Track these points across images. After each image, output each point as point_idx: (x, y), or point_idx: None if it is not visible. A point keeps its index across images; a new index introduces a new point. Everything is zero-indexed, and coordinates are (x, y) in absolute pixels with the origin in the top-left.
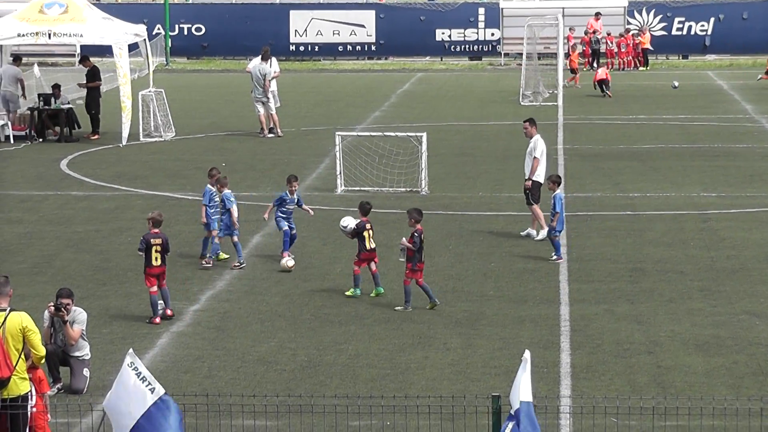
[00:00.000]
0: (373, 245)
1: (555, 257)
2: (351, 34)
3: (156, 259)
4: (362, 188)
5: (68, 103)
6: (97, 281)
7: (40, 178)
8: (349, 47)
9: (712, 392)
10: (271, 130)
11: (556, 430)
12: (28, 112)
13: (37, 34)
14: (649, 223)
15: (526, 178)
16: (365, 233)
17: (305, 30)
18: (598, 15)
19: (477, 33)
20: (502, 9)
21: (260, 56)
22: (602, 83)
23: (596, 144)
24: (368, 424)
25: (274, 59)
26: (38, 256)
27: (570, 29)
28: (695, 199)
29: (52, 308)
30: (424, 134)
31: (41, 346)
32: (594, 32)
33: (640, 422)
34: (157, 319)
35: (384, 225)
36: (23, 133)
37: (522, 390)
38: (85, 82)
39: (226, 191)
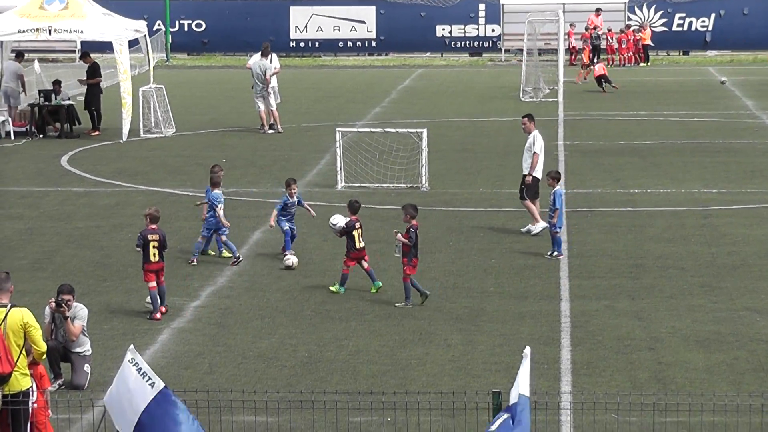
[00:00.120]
0: (362, 244)
1: (556, 253)
2: (351, 30)
3: (154, 255)
4: (363, 184)
5: (69, 99)
6: (97, 277)
7: (41, 174)
8: (350, 43)
9: (713, 388)
10: (271, 126)
11: (557, 426)
12: (29, 108)
13: (37, 30)
14: (650, 219)
15: (527, 173)
16: (354, 232)
17: (306, 26)
18: (598, 11)
19: (477, 29)
20: (503, 5)
21: (260, 52)
22: (601, 78)
23: (597, 140)
24: (369, 420)
25: (274, 55)
26: (39, 252)
27: (570, 25)
28: (696, 195)
29: (53, 304)
30: (425, 130)
31: (42, 342)
32: (594, 28)
33: (640, 418)
34: (158, 315)
35: (385, 221)
36: (24, 129)
37: (521, 384)
38: (85, 78)
39: (216, 191)
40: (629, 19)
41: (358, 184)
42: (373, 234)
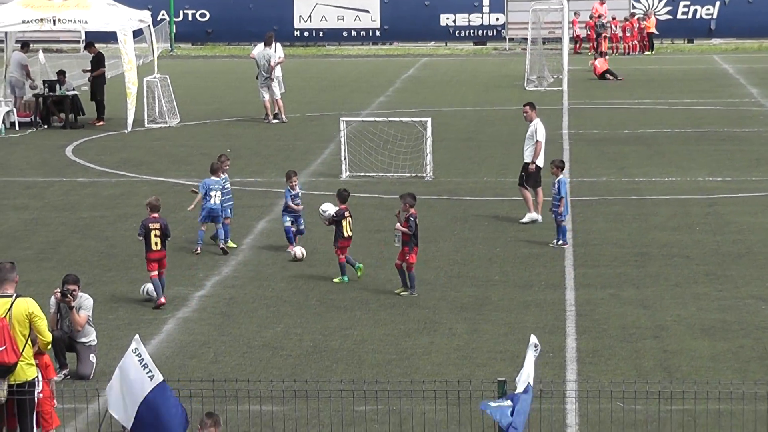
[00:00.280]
0: (350, 233)
1: (561, 242)
2: (355, 19)
3: (156, 243)
4: (367, 174)
5: (73, 89)
6: (102, 267)
7: (46, 164)
8: (354, 33)
9: (718, 376)
10: (275, 116)
11: (562, 414)
12: (33, 98)
13: (41, 20)
14: (655, 207)
15: (528, 161)
16: (344, 221)
17: (310, 16)
18: None
19: (482, 18)
20: None
21: (264, 42)
22: (605, 73)
23: (601, 129)
24: (374, 409)
25: (278, 45)
26: (44, 242)
27: (575, 14)
28: (701, 183)
29: (59, 294)
30: (429, 119)
31: (48, 332)
32: (599, 17)
33: (645, 407)
34: (163, 299)
35: (389, 210)
36: (28, 119)
37: (529, 374)
38: (89, 68)
39: (213, 178)
40: (633, 7)
41: (363, 174)
42: (378, 223)
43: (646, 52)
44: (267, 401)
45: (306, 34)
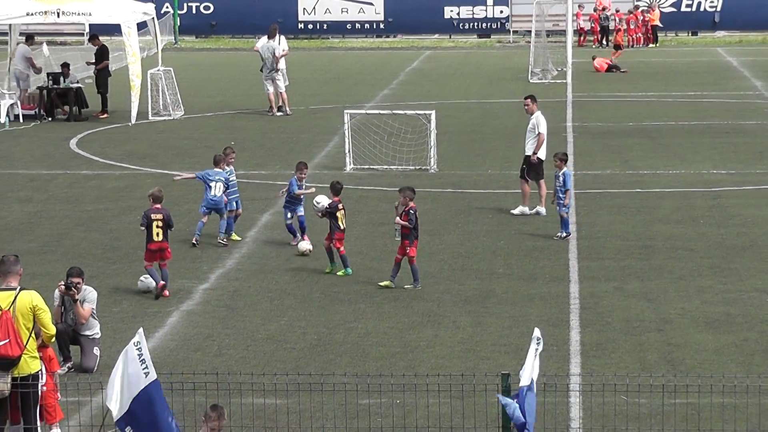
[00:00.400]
0: (344, 225)
1: (565, 234)
2: (359, 11)
3: (158, 234)
4: (371, 166)
5: (77, 82)
6: (107, 260)
7: (50, 157)
8: (358, 25)
9: (722, 369)
10: (279, 109)
11: (566, 407)
12: (37, 91)
13: (45, 12)
14: (659, 200)
15: (530, 154)
16: (338, 213)
17: (314, 8)
18: None
19: (486, 10)
20: None
21: (267, 35)
22: (611, 68)
23: (605, 121)
24: (378, 402)
25: (282, 37)
26: (48, 235)
27: (579, 6)
28: (705, 176)
29: (63, 287)
30: (433, 112)
31: (51, 325)
32: (603, 9)
33: (650, 400)
34: (162, 283)
35: (393, 203)
36: (32, 112)
37: (530, 367)
38: (93, 60)
39: (217, 170)
40: (638, 0)
41: (367, 166)
42: (382, 216)
43: (650, 45)
44: (271, 394)
45: (310, 26)
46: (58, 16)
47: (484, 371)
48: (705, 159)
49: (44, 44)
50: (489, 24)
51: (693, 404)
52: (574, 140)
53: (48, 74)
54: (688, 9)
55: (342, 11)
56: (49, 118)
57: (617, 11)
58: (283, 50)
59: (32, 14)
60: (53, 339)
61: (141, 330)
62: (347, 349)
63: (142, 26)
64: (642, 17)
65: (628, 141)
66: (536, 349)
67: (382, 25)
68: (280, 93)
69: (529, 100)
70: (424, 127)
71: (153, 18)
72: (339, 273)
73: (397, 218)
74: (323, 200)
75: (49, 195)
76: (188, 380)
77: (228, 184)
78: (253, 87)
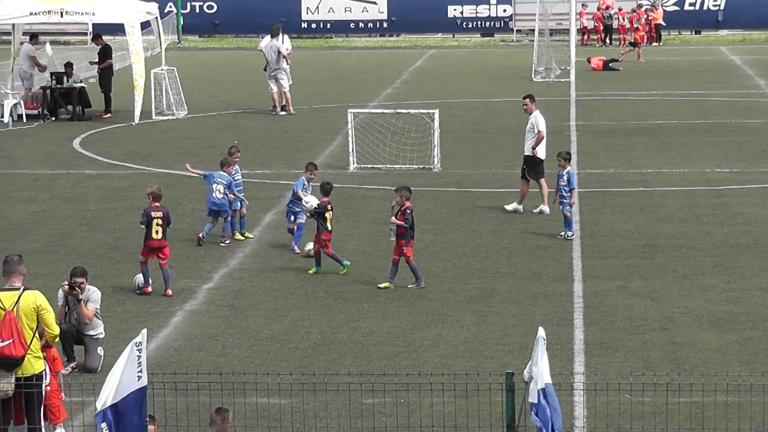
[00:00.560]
0: (332, 227)
1: (570, 234)
2: (363, 11)
3: (157, 232)
4: (375, 165)
5: (80, 81)
6: (110, 260)
7: (53, 156)
8: (361, 24)
9: (726, 368)
10: (283, 108)
11: (570, 406)
12: (41, 90)
13: (49, 12)
14: (663, 199)
15: (529, 154)
16: (327, 213)
17: (317, 7)
18: None
19: (489, 9)
20: None
21: (271, 34)
22: (608, 63)
23: (609, 120)
24: (382, 401)
25: (285, 36)
26: (51, 234)
27: (582, 5)
28: (708, 174)
29: (66, 287)
30: (437, 111)
31: (55, 325)
32: (606, 8)
33: (653, 399)
34: (149, 288)
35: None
36: (36, 111)
37: (544, 369)
38: (97, 60)
39: (221, 172)
40: None
41: (371, 166)
42: (385, 215)
43: (654, 44)
44: (275, 394)
45: (313, 25)
46: (62, 15)
47: (488, 370)
48: (708, 158)
49: (47, 44)
50: (492, 23)
51: (697, 403)
52: (577, 139)
53: (51, 74)
54: (692, 8)
55: (345, 10)
56: (53, 118)
57: (620, 10)
58: (287, 49)
59: (35, 14)
60: (57, 339)
61: (144, 331)
62: (351, 348)
63: (145, 26)
64: (645, 16)
65: (631, 140)
66: (544, 348)
67: (385, 24)
68: (284, 92)
69: (527, 99)
70: (427, 126)
71: (156, 17)
72: (341, 272)
73: (393, 218)
74: (312, 200)
75: (52, 195)
76: (192, 380)
77: (232, 185)
78: (257, 86)
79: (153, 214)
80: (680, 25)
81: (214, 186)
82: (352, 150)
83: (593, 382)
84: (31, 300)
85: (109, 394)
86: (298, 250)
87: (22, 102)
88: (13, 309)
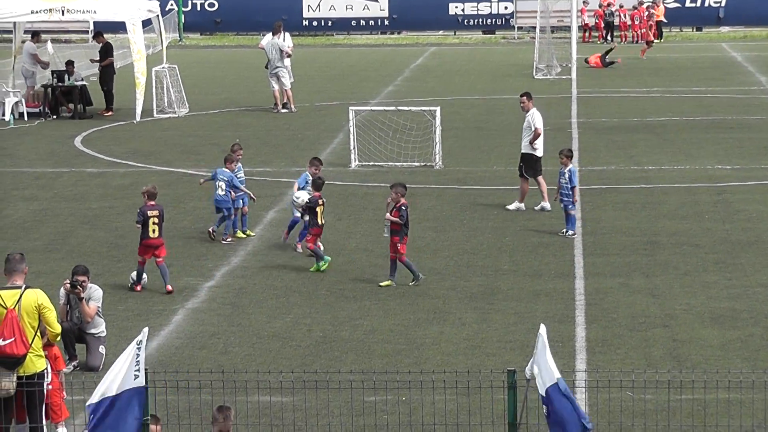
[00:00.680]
0: (323, 221)
1: (571, 232)
2: (364, 8)
3: (153, 231)
4: (376, 163)
5: (82, 79)
6: (112, 258)
7: (54, 154)
8: (363, 22)
9: (728, 365)
10: (284, 106)
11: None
12: (42, 89)
13: (50, 10)
14: (664, 195)
15: (526, 152)
16: (318, 209)
17: (318, 5)
18: None
19: (490, 6)
20: None
21: (272, 32)
22: (605, 58)
23: (610, 117)
24: (384, 399)
25: (287, 34)
26: (53, 233)
27: (584, 2)
28: (710, 171)
29: (68, 285)
30: (438, 108)
31: (57, 324)
32: (608, 5)
33: (655, 396)
34: (138, 287)
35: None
36: (37, 110)
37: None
38: (98, 58)
39: (223, 168)
40: None
41: (372, 163)
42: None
43: (655, 41)
44: (277, 392)
45: (315, 23)
46: (63, 13)
47: (489, 368)
48: (710, 154)
49: (49, 42)
50: (494, 20)
51: (699, 400)
52: (578, 136)
53: (53, 72)
54: (693, 4)
55: (346, 8)
56: (54, 116)
57: (621, 7)
58: (288, 47)
59: (37, 12)
60: (59, 337)
61: (146, 330)
62: (353, 346)
63: (146, 23)
64: (647, 12)
65: (632, 137)
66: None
67: (386, 22)
68: (285, 90)
69: (525, 97)
70: (429, 124)
71: (158, 15)
72: (323, 267)
73: (387, 214)
74: (302, 195)
75: (54, 193)
76: (194, 378)
77: (234, 180)
78: (258, 84)
79: (149, 212)
80: (681, 22)
81: (217, 183)
82: (354, 147)
83: (595, 379)
84: (32, 298)
85: (105, 386)
86: (300, 249)
87: (23, 100)
88: (14, 307)
